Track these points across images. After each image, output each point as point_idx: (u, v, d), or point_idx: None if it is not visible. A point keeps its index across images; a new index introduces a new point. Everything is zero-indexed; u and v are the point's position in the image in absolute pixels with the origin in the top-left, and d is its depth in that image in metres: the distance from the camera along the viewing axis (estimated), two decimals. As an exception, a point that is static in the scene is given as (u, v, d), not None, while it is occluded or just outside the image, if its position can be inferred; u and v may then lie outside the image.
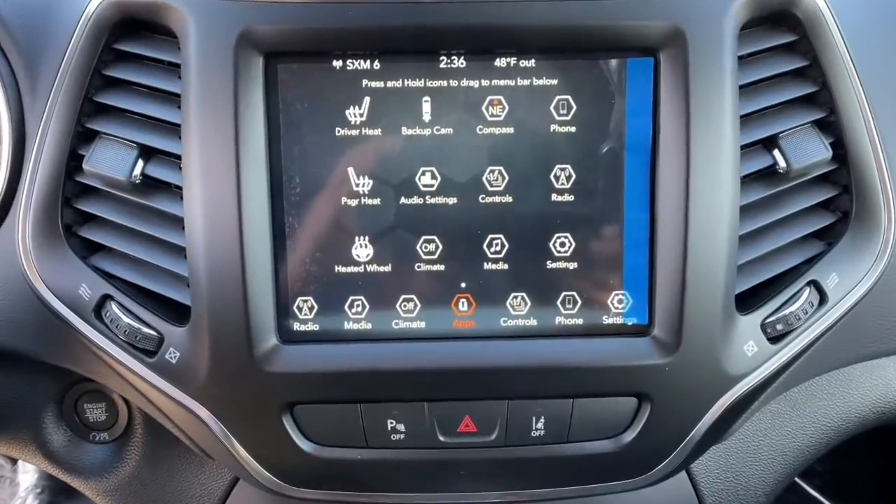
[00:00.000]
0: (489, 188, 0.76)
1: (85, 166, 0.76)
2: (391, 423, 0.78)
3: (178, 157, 0.75)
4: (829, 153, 0.78)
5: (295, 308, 0.77)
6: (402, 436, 0.78)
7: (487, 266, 0.77)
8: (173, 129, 0.76)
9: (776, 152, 0.77)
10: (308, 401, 0.77)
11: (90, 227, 0.80)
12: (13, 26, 0.80)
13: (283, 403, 0.77)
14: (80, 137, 0.78)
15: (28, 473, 1.44)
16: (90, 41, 0.76)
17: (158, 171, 0.76)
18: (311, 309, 0.77)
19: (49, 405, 0.92)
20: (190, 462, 0.95)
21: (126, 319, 0.77)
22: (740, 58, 0.76)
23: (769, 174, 0.78)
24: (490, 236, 0.77)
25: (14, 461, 1.40)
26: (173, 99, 0.76)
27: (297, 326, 0.77)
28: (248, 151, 0.73)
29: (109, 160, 0.76)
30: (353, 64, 0.74)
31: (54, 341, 0.81)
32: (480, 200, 0.76)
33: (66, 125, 0.77)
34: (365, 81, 0.74)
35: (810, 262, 0.80)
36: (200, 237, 0.73)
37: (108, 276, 0.78)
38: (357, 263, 0.77)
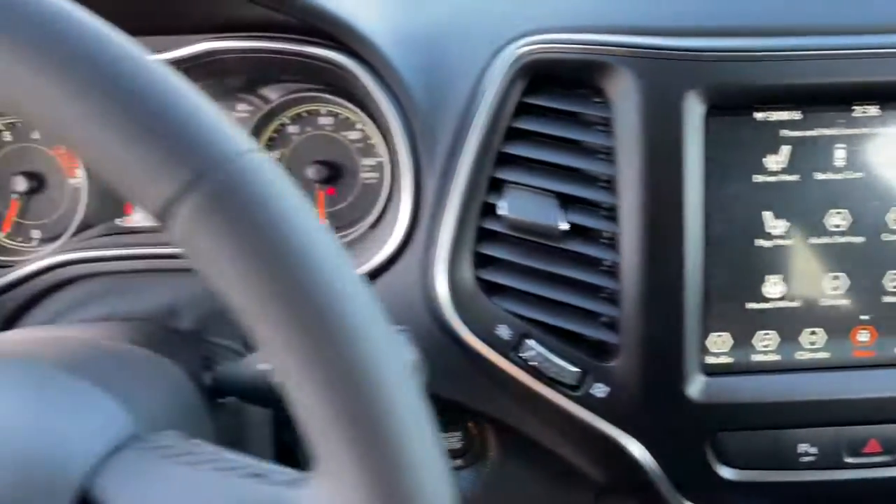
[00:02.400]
0: (891, 227, 0.82)
1: (506, 213, 0.81)
2: (803, 447, 0.83)
3: (596, 204, 0.80)
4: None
5: (709, 343, 0.83)
6: (813, 458, 0.84)
7: (886, 299, 0.83)
8: (587, 178, 0.81)
9: None
10: (730, 428, 0.82)
11: (495, 269, 0.84)
12: (413, 88, 0.84)
13: (707, 431, 0.82)
14: (487, 187, 0.83)
15: None
16: (501, 98, 0.81)
17: (580, 218, 0.81)
18: (724, 343, 0.83)
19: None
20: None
21: (548, 356, 0.82)
22: None
23: None
24: (889, 271, 0.82)
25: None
26: (583, 147, 0.81)
27: (710, 360, 0.83)
28: (690, 202, 0.78)
29: (532, 208, 0.81)
30: (773, 115, 0.79)
31: (468, 381, 0.86)
32: (882, 238, 0.82)
33: (472, 176, 0.82)
34: (784, 131, 0.80)
35: None
36: (637, 284, 0.78)
37: (521, 317, 0.83)
38: (767, 300, 0.82)
